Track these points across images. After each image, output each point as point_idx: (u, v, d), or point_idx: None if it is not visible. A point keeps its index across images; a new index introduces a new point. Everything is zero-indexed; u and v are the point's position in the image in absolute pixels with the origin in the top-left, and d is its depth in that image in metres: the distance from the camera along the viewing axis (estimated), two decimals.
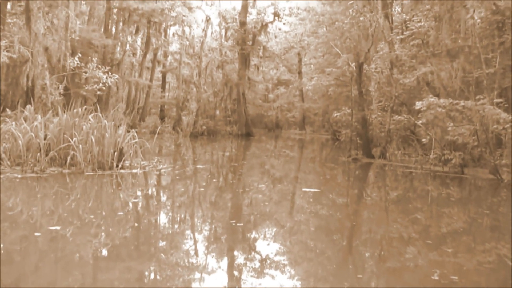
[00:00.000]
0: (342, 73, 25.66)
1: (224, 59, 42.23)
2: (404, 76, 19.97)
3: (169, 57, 50.54)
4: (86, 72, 13.84)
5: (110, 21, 31.62)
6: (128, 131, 12.25)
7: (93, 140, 10.69)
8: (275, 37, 46.24)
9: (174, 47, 47.78)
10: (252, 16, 41.30)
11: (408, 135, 21.99)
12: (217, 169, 14.04)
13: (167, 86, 54.31)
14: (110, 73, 14.01)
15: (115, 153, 11.12)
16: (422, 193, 11.40)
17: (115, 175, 10.67)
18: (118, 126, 11.90)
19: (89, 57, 31.15)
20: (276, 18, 41.41)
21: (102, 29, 31.36)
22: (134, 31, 41.69)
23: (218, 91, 42.58)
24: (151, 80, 43.07)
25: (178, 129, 34.49)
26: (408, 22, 18.90)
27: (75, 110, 11.45)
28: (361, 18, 19.84)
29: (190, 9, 38.97)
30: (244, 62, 40.27)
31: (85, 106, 11.88)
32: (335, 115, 21.30)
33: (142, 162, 12.64)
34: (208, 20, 36.89)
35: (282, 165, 17.03)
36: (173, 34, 45.14)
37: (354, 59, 20.07)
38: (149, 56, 46.99)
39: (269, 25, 42.02)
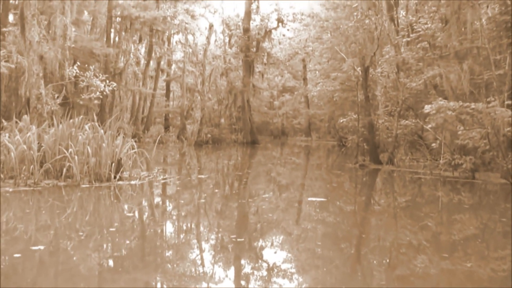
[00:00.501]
0: (347, 77, 25.22)
1: (228, 66, 41.89)
2: (410, 80, 19.51)
3: (173, 66, 50.32)
4: (83, 81, 13.40)
5: (112, 30, 31.32)
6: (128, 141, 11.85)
7: (89, 151, 10.28)
8: (279, 43, 45.80)
9: (178, 55, 47.53)
10: (255, 23, 40.93)
11: (416, 140, 21.51)
12: (220, 178, 13.58)
13: (171, 95, 54.01)
14: (108, 81, 13.52)
15: (113, 164, 10.70)
16: (432, 200, 10.91)
17: (113, 187, 10.25)
18: (116, 136, 11.48)
19: (90, 66, 31.04)
20: (280, 24, 40.96)
21: (105, 38, 31.16)
22: (138, 40, 41.54)
23: (222, 99, 42.25)
24: (154, 89, 42.74)
25: (183, 138, 34.08)
26: (414, 24, 18.41)
27: (71, 120, 11.03)
28: (366, 21, 19.38)
29: (192, 16, 38.73)
30: (248, 69, 39.89)
31: (81, 116, 11.42)
32: (341, 121, 20.83)
33: (142, 173, 12.23)
34: (211, 27, 36.52)
35: (287, 173, 16.58)
36: (176, 43, 44.90)
37: (360, 63, 19.62)
38: (153, 65, 46.91)
39: (273, 31, 41.58)
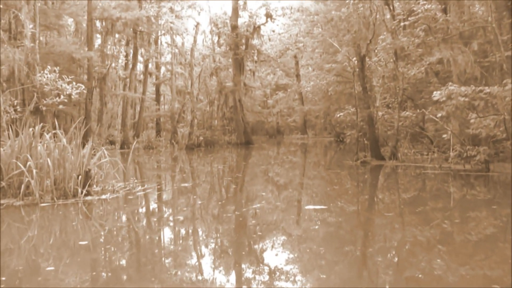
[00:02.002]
0: (343, 68, 23.68)
1: (218, 65, 40.50)
2: (409, 68, 18.15)
3: (163, 69, 48.92)
4: (47, 85, 11.91)
5: (93, 32, 29.85)
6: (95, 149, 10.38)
7: (50, 163, 8.81)
8: (269, 39, 44.38)
9: (168, 58, 46.21)
10: (243, 19, 39.56)
11: (419, 131, 20.14)
12: (206, 186, 12.06)
13: (162, 98, 52.53)
14: (74, 83, 12.01)
15: (80, 177, 9.25)
16: (448, 197, 9.59)
17: (80, 203, 8.79)
18: (84, 145, 10.03)
19: (72, 73, 29.54)
20: (269, 19, 39.52)
21: (85, 42, 29.71)
22: (125, 43, 40.07)
23: (213, 99, 40.84)
24: (143, 93, 41.34)
25: (173, 142, 32.62)
26: (413, 6, 16.96)
27: (30, 129, 9.56)
28: (360, 6, 17.89)
29: (177, 16, 37.28)
30: (238, 68, 38.46)
31: (41, 124, 9.96)
32: (338, 115, 19.38)
33: (119, 184, 10.78)
34: (197, 25, 35.07)
35: (283, 174, 15.11)
36: (161, 43, 43.47)
37: (355, 52, 18.19)
38: (141, 68, 45.55)
39: (262, 27, 40.17)
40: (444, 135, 15.00)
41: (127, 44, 40.38)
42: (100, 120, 39.03)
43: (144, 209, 8.71)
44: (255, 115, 59.36)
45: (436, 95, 12.38)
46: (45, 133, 9.32)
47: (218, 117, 40.78)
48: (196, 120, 37.46)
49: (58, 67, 25.68)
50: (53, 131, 9.62)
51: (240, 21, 38.94)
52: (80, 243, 5.96)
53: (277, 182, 12.86)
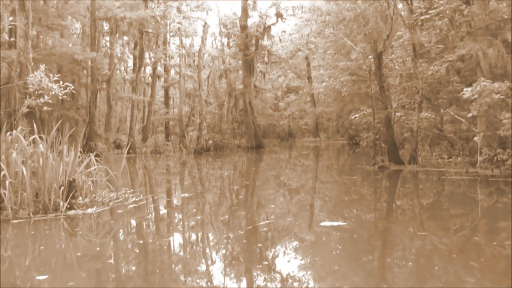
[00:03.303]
0: (358, 67, 22.33)
1: (227, 67, 39.38)
2: (428, 65, 16.90)
3: (172, 71, 47.86)
4: (32, 84, 10.77)
5: (97, 34, 28.83)
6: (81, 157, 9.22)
7: (25, 172, 7.65)
8: (280, 40, 43.18)
9: (177, 60, 45.18)
10: (253, 20, 38.42)
11: (438, 133, 18.84)
12: (207, 198, 10.78)
13: (171, 101, 51.47)
14: (62, 82, 10.84)
15: (62, 189, 8.10)
16: (473, 204, 8.37)
17: (62, 218, 7.64)
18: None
19: (75, 75, 28.55)
20: (279, 19, 38.33)
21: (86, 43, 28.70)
22: (133, 46, 39.01)
23: (223, 102, 39.73)
24: (152, 96, 40.29)
25: (181, 146, 31.47)
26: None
27: (8, 134, 8.42)
28: None
29: (185, 17, 36.20)
30: (248, 69, 37.27)
31: (20, 127, 8.82)
32: (354, 116, 18.08)
33: (111, 195, 9.63)
34: (204, 25, 33.95)
35: (294, 182, 13.86)
36: (169, 45, 42.41)
37: (372, 48, 16.92)
38: (149, 71, 44.55)
39: (272, 27, 38.96)
40: (476, 138, 13.62)
41: (135, 46, 39.42)
42: (108, 124, 38.09)
43: (130, 228, 7.45)
44: (266, 118, 58.24)
45: (467, 92, 11.09)
46: (22, 139, 8.16)
47: (227, 120, 39.62)
48: (205, 124, 36.35)
49: (58, 69, 24.72)
50: (31, 136, 8.46)
51: (249, 21, 37.82)
52: (38, 277, 4.77)
53: (288, 191, 11.64)
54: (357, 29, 28.72)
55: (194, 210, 8.87)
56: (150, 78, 44.40)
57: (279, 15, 38.25)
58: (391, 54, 18.64)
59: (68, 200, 8.08)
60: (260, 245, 5.96)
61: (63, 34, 29.81)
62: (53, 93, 10.57)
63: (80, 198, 8.51)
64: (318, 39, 39.95)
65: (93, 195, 9.19)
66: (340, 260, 5.22)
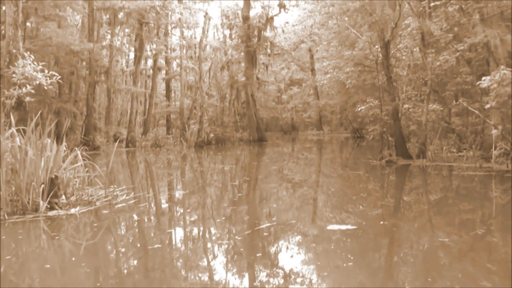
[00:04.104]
0: (364, 56, 21.46)
1: (229, 59, 38.57)
2: (435, 57, 16.10)
3: (174, 64, 47.05)
4: (15, 73, 9.99)
5: (95, 24, 28.07)
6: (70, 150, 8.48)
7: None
8: (283, 31, 42.36)
9: (179, 52, 44.41)
10: (256, 10, 37.60)
11: (449, 126, 18.07)
12: (204, 195, 9.94)
13: (173, 94, 50.68)
14: (47, 70, 10.02)
15: (43, 187, 7.38)
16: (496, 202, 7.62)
17: (41, 220, 6.93)
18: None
19: (73, 67, 27.82)
20: (282, 10, 37.48)
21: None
22: (134, 38, 38.19)
23: (224, 94, 38.94)
24: (152, 89, 39.53)
25: (182, 139, 30.71)
26: None
27: None
28: None
29: (185, 8, 35.32)
30: (250, 61, 36.47)
31: (3, 120, 8.10)
32: (360, 108, 17.28)
33: (99, 193, 8.90)
34: (205, 15, 33.12)
35: (298, 177, 13.11)
36: (171, 36, 41.55)
37: (379, 37, 16.10)
38: (151, 63, 43.68)
39: (275, 18, 38.12)
40: (494, 131, 12.84)
41: (136, 38, 38.62)
42: (108, 117, 37.36)
43: (114, 233, 6.65)
44: (269, 111, 57.56)
45: (485, 82, 10.30)
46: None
47: (229, 113, 38.84)
48: (206, 116, 35.58)
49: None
50: (11, 130, 7.72)
51: (252, 12, 37.03)
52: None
53: (291, 188, 10.90)
54: (361, 20, 27.91)
55: (189, 210, 8.13)
56: (151, 70, 43.63)
57: (282, 6, 37.43)
58: (398, 44, 17.83)
59: (49, 199, 7.35)
60: (259, 255, 5.24)
61: (60, 25, 29.04)
62: (37, 82, 9.82)
63: (63, 197, 7.78)
64: (321, 30, 39.19)
65: (80, 193, 8.48)
66: (351, 277, 4.49)
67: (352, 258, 4.94)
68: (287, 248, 5.46)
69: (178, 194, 10.04)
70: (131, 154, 24.32)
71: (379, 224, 6.56)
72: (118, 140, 31.19)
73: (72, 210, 7.47)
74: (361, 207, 7.95)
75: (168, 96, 47.76)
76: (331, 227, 6.25)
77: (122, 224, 7.06)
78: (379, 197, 9.15)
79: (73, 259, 5.15)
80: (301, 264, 4.89)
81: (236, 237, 5.97)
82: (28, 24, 26.11)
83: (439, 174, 12.33)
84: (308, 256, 5.20)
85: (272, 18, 37.59)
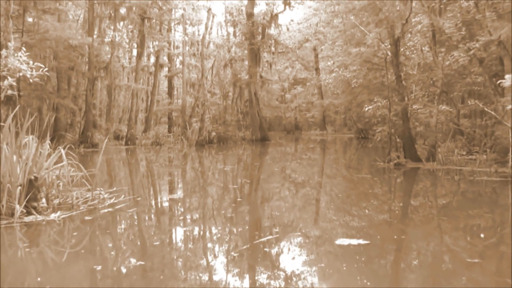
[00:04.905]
0: (373, 53, 20.66)
1: (232, 56, 37.87)
2: (444, 57, 15.39)
3: (177, 61, 46.32)
4: None
5: (95, 18, 27.38)
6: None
7: None
8: (288, 29, 41.64)
9: (182, 49, 43.78)
10: (260, 7, 36.85)
11: (459, 128, 17.34)
12: (199, 200, 9.06)
13: (176, 92, 49.93)
14: (32, 62, 9.26)
15: (20, 189, 6.67)
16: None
17: (17, 226, 6.21)
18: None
19: (72, 62, 27.15)
20: (287, 7, 36.71)
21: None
22: (137, 34, 37.48)
23: (227, 92, 38.24)
24: (154, 86, 38.84)
25: (183, 138, 29.98)
26: None
27: None
28: None
29: (188, 3, 34.62)
30: (254, 59, 35.73)
31: None
32: (367, 108, 16.52)
33: (86, 195, 8.18)
34: (208, 11, 32.38)
35: (301, 180, 12.36)
36: (174, 33, 40.81)
37: (388, 34, 15.35)
38: (153, 60, 42.96)
39: (280, 16, 37.41)
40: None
41: (139, 34, 37.91)
42: (109, 114, 36.64)
43: (94, 243, 5.85)
44: (272, 110, 56.95)
45: (507, 80, 9.53)
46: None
47: (232, 112, 38.14)
48: (209, 115, 34.91)
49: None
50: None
51: (256, 9, 36.31)
52: None
53: (295, 192, 10.16)
54: (368, 18, 27.20)
55: (181, 218, 7.37)
56: (153, 67, 42.96)
57: (287, 3, 36.67)
58: (408, 42, 17.09)
59: (25, 203, 6.64)
60: (258, 277, 4.52)
61: (60, 19, 28.38)
62: (21, 74, 9.09)
63: (43, 200, 7.07)
64: (327, 29, 38.55)
65: (66, 196, 7.77)
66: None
67: (368, 283, 4.20)
68: (292, 268, 4.73)
69: (172, 198, 9.27)
70: (130, 152, 23.61)
71: (394, 238, 5.82)
72: (118, 137, 30.55)
73: (52, 216, 6.75)
74: (372, 216, 7.19)
75: (170, 93, 47.04)
76: (340, 241, 5.48)
77: (105, 233, 6.26)
78: (391, 205, 8.41)
79: (39, 279, 4.41)
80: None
81: (232, 253, 5.24)
82: (30, 19, 25.50)
83: (453, 180, 11.59)
84: (316, 278, 4.47)
85: (276, 15, 36.86)
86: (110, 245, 5.72)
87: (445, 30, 15.48)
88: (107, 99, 37.33)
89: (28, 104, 28.68)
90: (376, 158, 16.54)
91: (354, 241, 5.45)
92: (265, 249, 5.32)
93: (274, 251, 5.27)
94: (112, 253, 5.38)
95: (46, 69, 9.33)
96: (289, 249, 5.38)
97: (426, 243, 5.57)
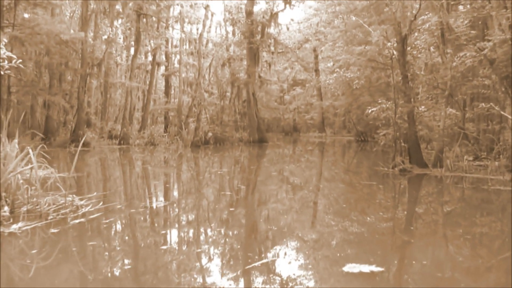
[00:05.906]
0: (378, 52, 19.74)
1: (230, 55, 37.00)
2: (451, 58, 14.54)
3: (175, 60, 45.45)
4: None
5: (89, 13, 26.47)
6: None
7: None
8: (288, 29, 40.77)
9: (179, 48, 42.93)
10: (260, 6, 35.98)
11: (465, 133, 16.48)
12: (186, 208, 8.09)
13: (173, 91, 49.03)
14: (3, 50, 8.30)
15: None
16: None
17: None
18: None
19: (64, 58, 26.26)
20: (287, 5, 35.85)
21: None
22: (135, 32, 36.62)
23: (225, 92, 37.34)
24: (150, 84, 38.00)
25: (178, 138, 29.07)
26: None
27: None
28: None
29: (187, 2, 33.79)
30: (253, 58, 34.84)
31: None
32: (371, 110, 15.60)
33: (61, 200, 7.26)
34: (206, 8, 31.52)
35: (300, 188, 11.45)
36: (172, 31, 39.88)
37: (395, 31, 14.45)
38: (149, 58, 42.15)
39: (280, 14, 36.53)
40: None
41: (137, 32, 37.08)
42: (104, 113, 35.75)
43: (57, 263, 4.87)
44: (270, 111, 56.15)
45: None
46: None
47: (229, 112, 37.24)
48: (207, 115, 34.07)
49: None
50: None
51: (256, 7, 35.44)
52: None
53: (293, 205, 9.17)
54: (370, 18, 26.43)
55: (163, 232, 6.37)
56: (150, 65, 42.11)
57: (287, 2, 35.82)
58: (414, 40, 16.22)
59: None
60: None
61: (53, 13, 27.52)
62: None
63: (6, 208, 6.15)
64: (327, 29, 37.80)
65: (36, 202, 6.86)
66: None
67: None
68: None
69: (159, 204, 8.35)
70: (122, 152, 22.70)
71: (412, 263, 4.91)
72: (113, 136, 29.68)
73: (13, 227, 5.83)
74: (384, 235, 6.26)
75: (167, 92, 46.18)
76: (349, 268, 4.53)
77: (72, 249, 5.30)
78: (403, 220, 7.47)
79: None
80: None
81: (223, 277, 4.34)
82: (26, 15, 24.67)
83: (465, 188, 10.70)
84: None
85: (276, 14, 36.01)
86: (79, 261, 4.75)
87: (454, 28, 14.65)
88: (102, 97, 36.49)
89: (20, 101, 27.80)
90: (380, 163, 15.64)
91: (365, 268, 4.52)
92: (260, 276, 4.41)
93: (271, 280, 4.36)
94: (75, 272, 4.43)
95: (20, 60, 8.39)
96: (288, 279, 4.46)
97: (451, 270, 4.67)
